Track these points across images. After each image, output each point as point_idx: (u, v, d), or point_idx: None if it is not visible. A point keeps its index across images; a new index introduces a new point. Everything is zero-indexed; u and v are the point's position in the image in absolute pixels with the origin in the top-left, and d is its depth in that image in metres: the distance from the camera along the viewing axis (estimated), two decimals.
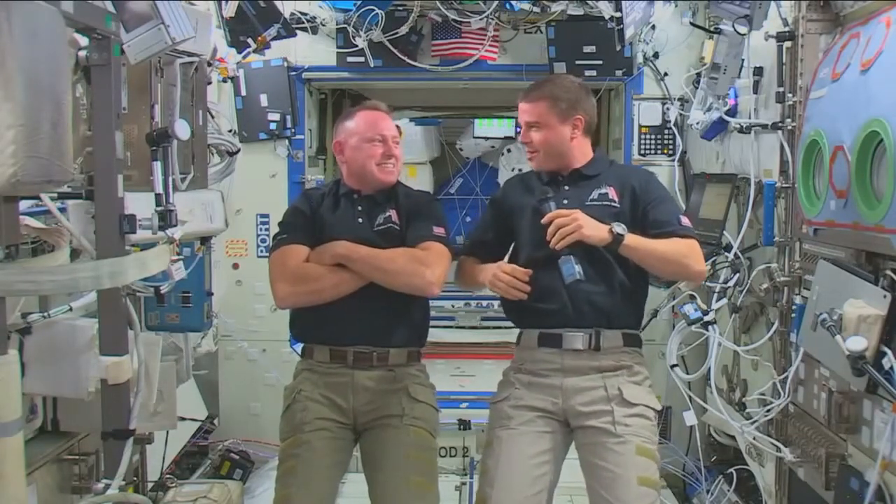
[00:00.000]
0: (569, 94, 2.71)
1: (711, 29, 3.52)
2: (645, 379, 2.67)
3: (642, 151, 4.24)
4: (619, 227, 2.49)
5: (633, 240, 2.50)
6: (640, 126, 4.25)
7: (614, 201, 2.67)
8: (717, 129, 3.55)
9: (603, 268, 2.56)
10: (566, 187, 2.72)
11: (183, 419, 3.55)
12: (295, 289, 2.61)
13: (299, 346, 2.86)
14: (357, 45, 4.06)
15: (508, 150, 6.88)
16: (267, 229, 4.33)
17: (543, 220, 2.51)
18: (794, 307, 2.95)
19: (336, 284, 2.60)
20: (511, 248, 2.82)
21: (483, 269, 2.71)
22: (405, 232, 2.72)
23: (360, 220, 2.73)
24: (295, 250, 2.65)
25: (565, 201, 2.66)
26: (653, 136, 4.24)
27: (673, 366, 3.43)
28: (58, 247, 2.19)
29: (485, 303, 5.65)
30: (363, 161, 2.73)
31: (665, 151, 4.24)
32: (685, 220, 2.67)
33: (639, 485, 2.45)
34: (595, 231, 2.48)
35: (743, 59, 3.22)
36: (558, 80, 2.85)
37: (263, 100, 4.23)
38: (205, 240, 3.21)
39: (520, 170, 6.57)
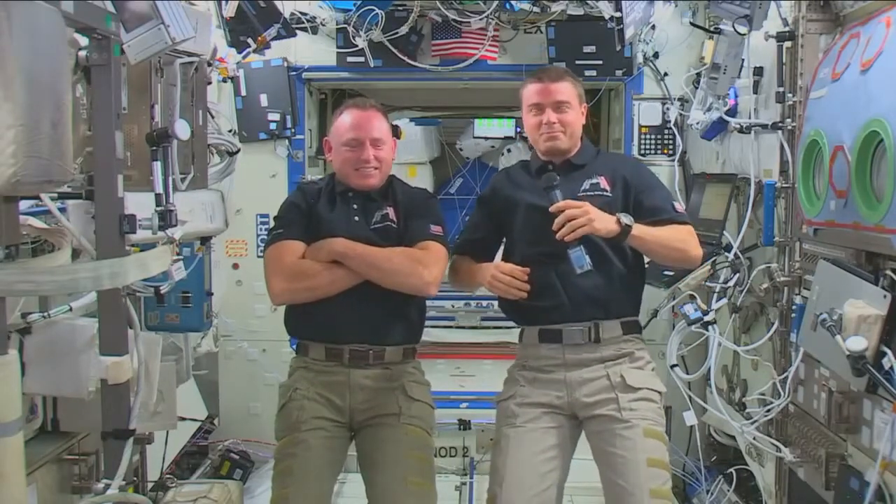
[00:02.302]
0: (579, 81, 2.79)
1: (711, 29, 3.52)
2: (647, 363, 2.68)
3: (642, 151, 4.24)
4: (627, 218, 2.51)
5: (639, 230, 2.53)
6: (640, 126, 4.24)
7: (606, 191, 2.68)
8: (717, 129, 3.55)
9: (599, 259, 2.55)
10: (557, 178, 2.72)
11: (183, 419, 3.55)
12: (290, 285, 2.60)
13: None
14: (357, 45, 4.05)
15: (508, 150, 6.87)
16: (267, 229, 4.32)
17: (552, 209, 2.49)
18: (794, 307, 2.95)
19: (331, 282, 2.60)
20: (503, 245, 2.83)
21: (480, 270, 2.70)
22: (402, 230, 2.72)
23: (357, 218, 2.72)
24: (290, 246, 2.64)
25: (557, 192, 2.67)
26: (653, 136, 4.24)
27: (673, 366, 3.42)
28: (60, 247, 2.19)
29: (485, 303, 5.64)
30: (341, 165, 2.73)
31: (665, 151, 4.24)
32: (679, 206, 2.73)
33: (649, 466, 2.47)
34: (605, 223, 2.48)
35: (743, 59, 3.22)
36: (564, 67, 2.89)
37: (263, 100, 4.23)
38: (205, 240, 3.21)
39: None
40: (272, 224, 2.78)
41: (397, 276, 2.58)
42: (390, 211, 2.74)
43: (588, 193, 2.66)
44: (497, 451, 2.65)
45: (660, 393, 2.65)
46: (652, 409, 2.59)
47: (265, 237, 4.26)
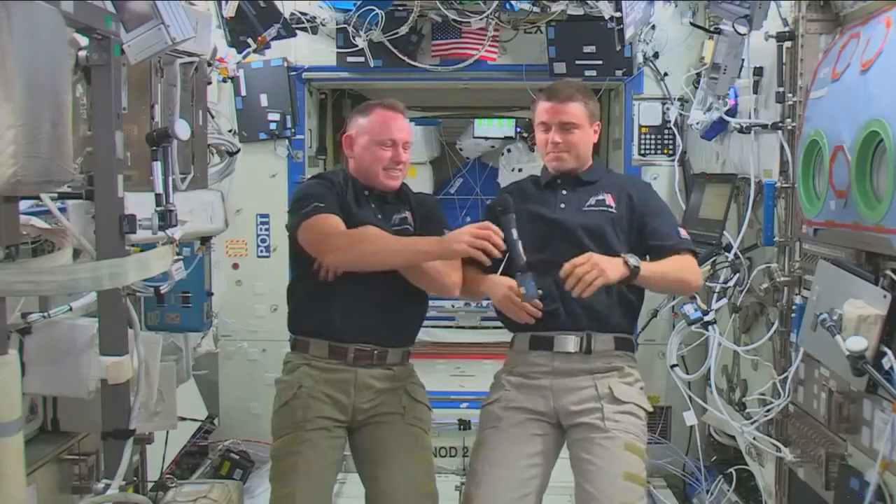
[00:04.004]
0: (592, 99, 2.77)
1: (711, 29, 3.52)
2: (636, 381, 2.67)
3: (642, 151, 4.25)
4: (634, 259, 2.48)
5: (646, 269, 2.51)
6: (640, 126, 4.24)
7: (611, 207, 2.68)
8: (717, 129, 3.55)
9: None
10: (564, 192, 2.74)
11: (183, 419, 3.55)
12: (348, 245, 2.54)
13: None
14: (357, 45, 4.06)
15: (508, 150, 6.88)
16: (267, 229, 4.33)
17: (562, 273, 2.43)
18: (794, 307, 2.95)
19: (385, 251, 2.53)
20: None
21: (487, 282, 2.64)
22: (418, 234, 2.72)
23: (379, 216, 2.72)
24: (337, 220, 2.58)
25: (562, 205, 2.69)
26: (653, 136, 4.24)
27: (673, 366, 3.43)
28: (62, 247, 2.19)
29: (485, 303, 5.65)
30: (370, 163, 2.72)
31: (665, 151, 4.24)
32: (683, 233, 2.72)
33: (624, 480, 2.44)
34: (615, 271, 2.44)
35: (743, 59, 3.22)
36: (578, 83, 2.86)
37: (263, 100, 4.23)
38: (205, 240, 3.21)
39: (520, 170, 6.59)
40: (295, 203, 2.66)
41: (432, 274, 2.58)
42: (408, 215, 2.77)
43: (593, 209, 2.67)
44: (476, 452, 2.63)
45: (645, 411, 2.64)
46: (636, 424, 2.57)
47: (265, 237, 4.31)
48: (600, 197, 2.70)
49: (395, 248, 2.56)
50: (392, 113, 2.73)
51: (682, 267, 2.63)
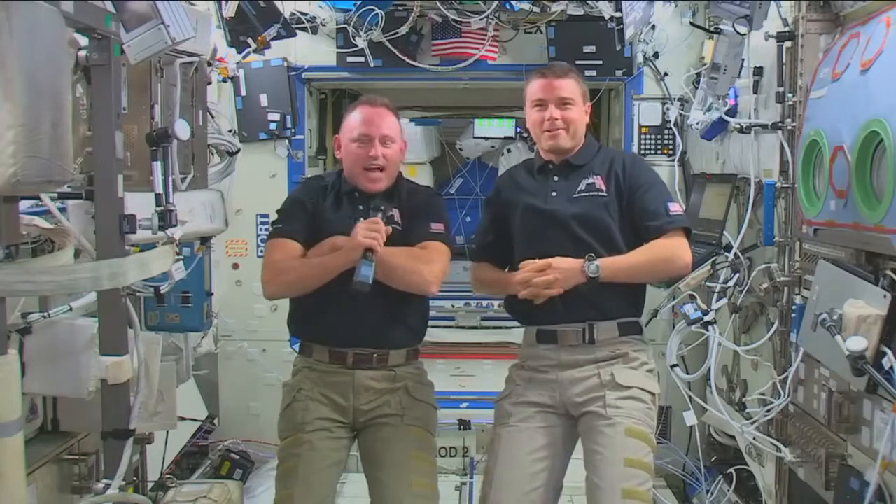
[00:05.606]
0: (583, 80, 2.78)
1: (711, 29, 3.51)
2: (642, 364, 2.64)
3: (642, 151, 4.24)
4: (592, 269, 2.51)
5: (609, 271, 2.52)
6: (640, 126, 4.25)
7: (602, 191, 2.65)
8: (717, 129, 3.56)
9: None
10: (556, 178, 2.72)
11: (183, 419, 3.55)
12: (271, 280, 2.61)
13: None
14: (357, 45, 4.06)
15: (508, 150, 6.88)
16: (267, 229, 4.32)
17: (517, 281, 2.56)
18: (794, 307, 2.95)
19: (304, 276, 2.58)
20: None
21: (512, 283, 2.66)
22: (406, 231, 2.70)
23: (362, 219, 2.69)
24: (282, 243, 2.64)
25: (553, 193, 2.67)
26: (653, 136, 4.25)
27: (673, 366, 3.42)
28: (64, 247, 2.19)
29: (485, 303, 5.65)
30: (350, 163, 2.71)
31: (665, 151, 4.24)
32: (674, 208, 2.64)
33: (626, 466, 2.43)
34: (570, 282, 2.53)
35: (743, 59, 3.22)
36: (568, 65, 2.86)
37: (263, 100, 4.23)
38: (205, 240, 3.21)
39: None
40: (274, 217, 2.77)
41: (399, 272, 2.56)
42: (395, 213, 2.73)
43: (584, 194, 2.65)
44: (490, 452, 2.66)
45: (652, 394, 2.61)
46: (639, 408, 2.55)
47: (265, 237, 4.28)
48: (591, 180, 2.67)
49: (312, 272, 2.58)
50: (370, 108, 2.69)
51: (660, 253, 2.57)
